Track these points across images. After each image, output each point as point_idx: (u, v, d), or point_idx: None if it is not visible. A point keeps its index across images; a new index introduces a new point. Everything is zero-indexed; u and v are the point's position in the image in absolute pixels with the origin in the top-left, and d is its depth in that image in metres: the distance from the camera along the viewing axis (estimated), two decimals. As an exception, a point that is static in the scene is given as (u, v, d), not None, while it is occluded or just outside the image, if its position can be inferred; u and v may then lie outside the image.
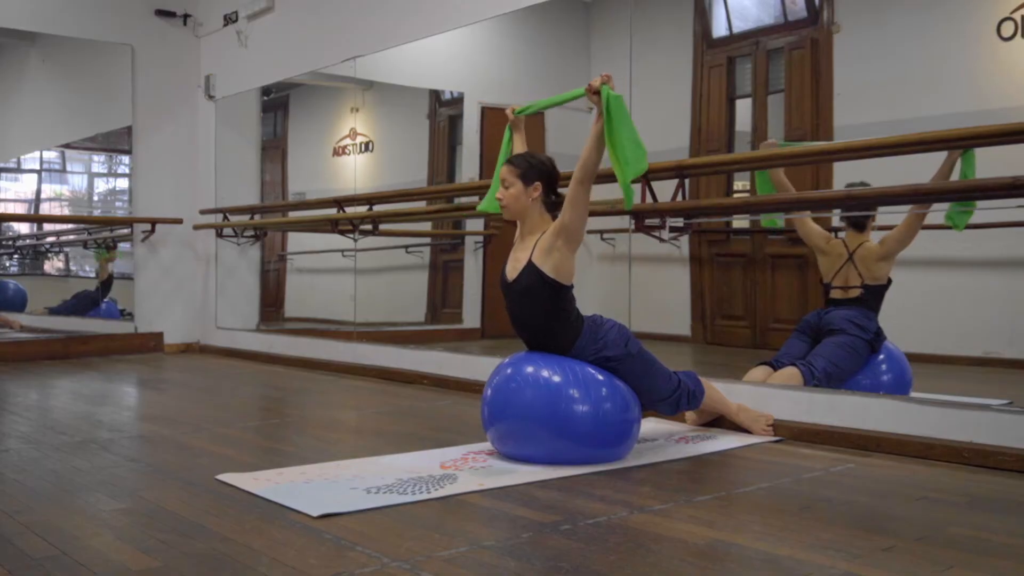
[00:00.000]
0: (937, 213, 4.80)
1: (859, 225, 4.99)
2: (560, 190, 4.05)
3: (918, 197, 4.50)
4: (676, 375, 4.17)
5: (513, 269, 4.01)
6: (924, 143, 4.25)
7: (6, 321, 8.80)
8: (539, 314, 3.94)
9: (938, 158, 4.44)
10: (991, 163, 4.12)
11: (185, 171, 9.11)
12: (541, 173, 4.01)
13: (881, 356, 4.81)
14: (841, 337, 4.80)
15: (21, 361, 8.01)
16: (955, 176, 4.44)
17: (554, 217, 3.99)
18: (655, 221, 5.11)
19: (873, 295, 4.90)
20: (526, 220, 4.03)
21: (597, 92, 3.81)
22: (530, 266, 3.92)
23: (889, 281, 4.91)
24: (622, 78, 5.61)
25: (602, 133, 3.82)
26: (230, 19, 8.64)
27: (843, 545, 2.73)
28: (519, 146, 4.35)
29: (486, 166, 7.56)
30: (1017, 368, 5.01)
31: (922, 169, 4.57)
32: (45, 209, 9.50)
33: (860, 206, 4.84)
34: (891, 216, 4.95)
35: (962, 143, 4.16)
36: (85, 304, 9.40)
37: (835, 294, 5.00)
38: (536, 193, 4.00)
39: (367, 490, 3.37)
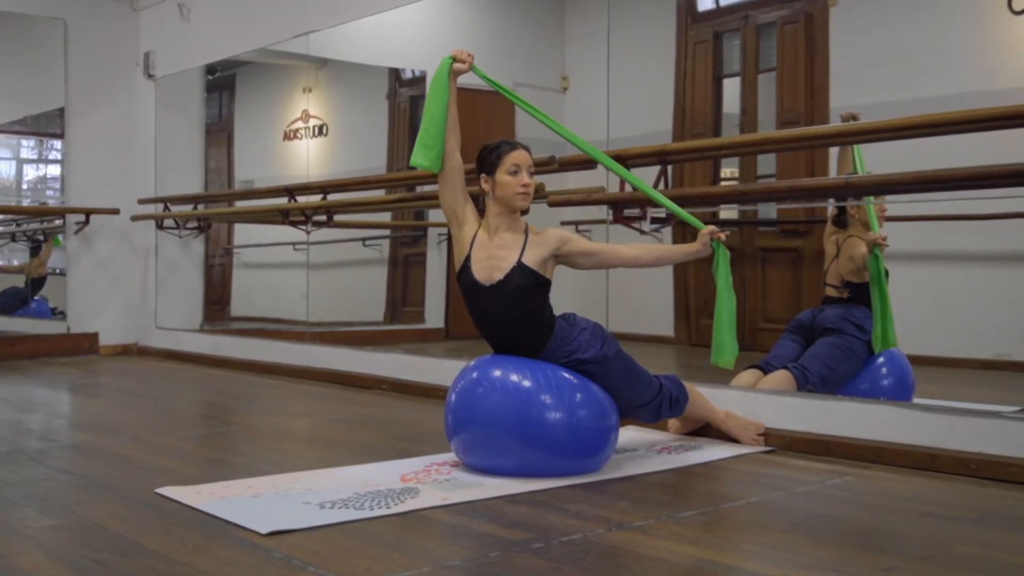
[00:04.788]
0: (941, 204, 4.81)
1: (838, 221, 5.00)
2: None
3: (920, 185, 4.51)
4: (657, 379, 4.16)
5: (496, 269, 3.92)
6: (929, 126, 4.25)
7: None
8: (520, 315, 3.92)
9: (944, 141, 4.42)
10: (995, 149, 4.12)
11: (122, 157, 9.04)
12: None
13: (881, 359, 4.82)
14: (837, 338, 4.81)
15: (-59, 364, 7.95)
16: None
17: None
18: (635, 211, 5.10)
19: (859, 293, 4.90)
20: (520, 216, 4.02)
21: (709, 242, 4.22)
22: (521, 267, 3.90)
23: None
24: (599, 56, 5.59)
25: (679, 259, 4.64)
26: (172, -10, 8.59)
27: (840, 565, 2.72)
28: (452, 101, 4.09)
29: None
30: (1028, 372, 5.04)
31: (926, 154, 4.57)
32: (-32, 198, 9.43)
33: (858, 196, 4.85)
34: (893, 209, 4.96)
35: (968, 126, 4.15)
36: (13, 302, 9.33)
37: (829, 292, 5.02)
38: None
39: (321, 505, 3.35)
